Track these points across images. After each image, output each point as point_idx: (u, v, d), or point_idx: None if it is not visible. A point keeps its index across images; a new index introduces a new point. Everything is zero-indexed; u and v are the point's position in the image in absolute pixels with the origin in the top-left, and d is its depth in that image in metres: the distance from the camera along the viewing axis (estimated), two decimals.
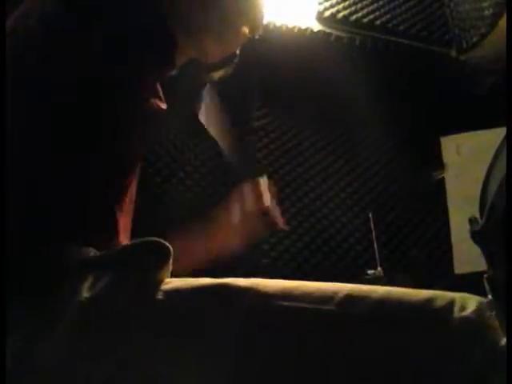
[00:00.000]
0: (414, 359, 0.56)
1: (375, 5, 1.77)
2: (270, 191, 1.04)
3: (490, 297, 0.67)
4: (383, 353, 0.56)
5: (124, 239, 0.77)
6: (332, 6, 1.72)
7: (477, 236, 0.73)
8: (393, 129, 1.84)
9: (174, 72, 0.86)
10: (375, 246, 1.51)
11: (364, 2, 1.76)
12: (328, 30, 1.68)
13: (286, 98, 1.78)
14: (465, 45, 1.73)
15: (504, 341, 0.54)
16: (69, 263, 0.63)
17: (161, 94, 0.83)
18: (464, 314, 0.57)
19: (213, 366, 0.57)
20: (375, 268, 1.49)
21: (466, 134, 1.73)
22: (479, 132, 1.71)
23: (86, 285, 0.60)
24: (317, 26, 1.67)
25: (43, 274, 0.61)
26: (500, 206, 0.68)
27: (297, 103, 1.80)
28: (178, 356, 0.58)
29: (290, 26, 1.63)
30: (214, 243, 1.03)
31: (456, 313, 0.57)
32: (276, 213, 1.05)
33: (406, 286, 0.63)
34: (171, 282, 0.63)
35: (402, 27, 1.77)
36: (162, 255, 0.64)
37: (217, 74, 0.94)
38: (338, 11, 1.72)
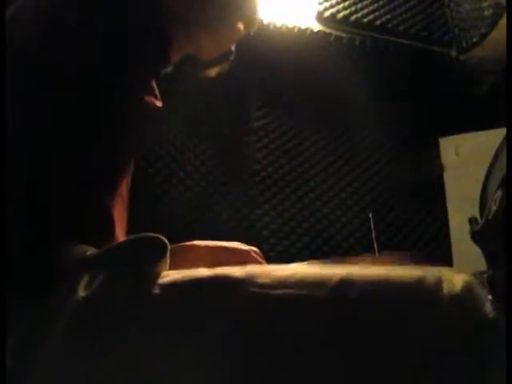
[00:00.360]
0: (408, 339, 0.57)
1: (375, 5, 1.77)
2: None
3: (489, 297, 0.67)
4: (379, 335, 0.57)
5: (120, 236, 0.78)
6: (332, 6, 1.72)
7: (477, 236, 0.73)
8: (393, 129, 1.84)
9: (169, 69, 0.86)
10: (375, 246, 1.51)
11: (364, 2, 1.76)
12: (328, 30, 1.68)
13: (286, 98, 1.78)
14: (465, 45, 1.74)
15: (493, 314, 0.55)
16: (66, 262, 0.63)
17: (156, 91, 0.84)
18: (453, 289, 0.58)
19: (212, 359, 0.57)
20: None
21: (464, 135, 1.73)
22: (478, 133, 1.71)
23: (83, 284, 0.60)
24: (317, 26, 1.67)
25: (40, 274, 0.61)
26: (500, 206, 0.68)
27: (297, 103, 1.80)
28: (177, 351, 0.58)
29: (290, 26, 1.63)
30: None
31: (445, 290, 0.58)
32: None
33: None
34: (168, 275, 0.63)
35: (401, 27, 1.78)
36: (158, 250, 0.64)
37: (213, 71, 0.94)
38: (338, 11, 1.72)
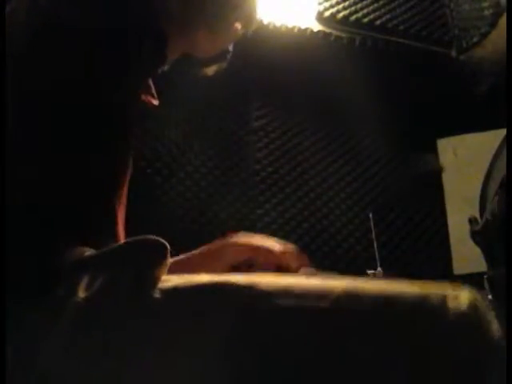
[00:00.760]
0: (411, 355, 0.56)
1: (375, 5, 1.77)
2: None
3: (489, 297, 0.67)
4: (380, 349, 0.57)
5: (121, 237, 0.77)
6: (332, 6, 1.72)
7: (477, 236, 0.73)
8: (392, 129, 1.84)
9: (165, 68, 0.85)
10: (375, 245, 1.51)
11: (364, 2, 1.76)
12: (328, 30, 1.68)
13: (286, 98, 1.78)
14: (465, 45, 1.73)
15: (498, 334, 0.55)
16: (65, 263, 0.62)
17: (153, 90, 0.84)
18: (458, 307, 0.57)
19: (212, 365, 0.57)
20: (375, 268, 1.49)
21: (462, 136, 1.73)
22: (475, 134, 1.72)
23: (83, 285, 0.60)
24: (317, 26, 1.67)
25: (40, 275, 0.61)
26: (500, 206, 0.68)
27: (297, 103, 1.80)
28: (176, 356, 0.58)
29: (290, 26, 1.63)
30: None
31: (451, 307, 0.57)
32: None
33: None
34: (169, 280, 0.62)
35: (401, 27, 1.77)
36: (158, 253, 0.63)
37: (210, 70, 0.94)
38: (338, 11, 1.72)
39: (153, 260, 0.63)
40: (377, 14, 1.76)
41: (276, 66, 1.66)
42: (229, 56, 0.94)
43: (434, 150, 1.76)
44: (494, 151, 0.78)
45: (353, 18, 1.72)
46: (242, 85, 1.71)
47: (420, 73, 1.80)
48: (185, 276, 0.64)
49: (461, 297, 0.58)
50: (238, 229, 1.64)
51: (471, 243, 0.80)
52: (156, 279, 0.61)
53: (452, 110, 1.78)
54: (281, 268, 0.93)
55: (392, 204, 1.81)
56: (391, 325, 0.58)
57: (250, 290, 0.60)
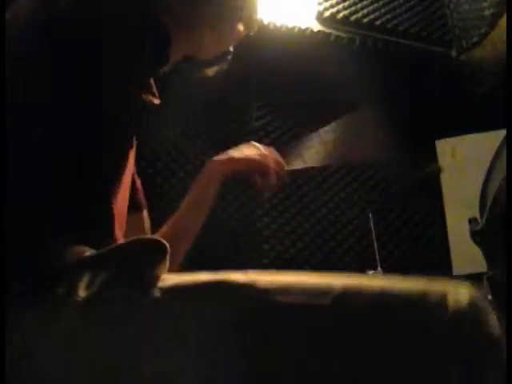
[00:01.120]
0: (411, 352, 0.56)
1: (375, 5, 1.77)
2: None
3: (489, 297, 0.67)
4: (380, 347, 0.57)
5: (120, 236, 0.78)
6: (332, 6, 1.72)
7: (477, 236, 0.73)
8: (392, 129, 1.84)
9: (167, 68, 0.86)
10: (375, 246, 1.51)
11: (364, 2, 1.76)
12: (328, 30, 1.68)
13: (286, 98, 1.78)
14: (465, 45, 1.74)
15: (498, 331, 0.55)
16: (65, 263, 0.62)
17: (154, 89, 0.84)
18: (458, 305, 0.57)
19: (212, 363, 0.57)
20: (375, 268, 1.49)
21: (460, 137, 1.73)
22: (474, 135, 1.72)
23: (82, 284, 0.60)
24: (317, 26, 1.68)
25: (40, 274, 0.61)
26: (500, 206, 0.68)
27: (297, 103, 1.80)
28: (176, 354, 0.58)
29: (290, 26, 1.63)
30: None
31: (450, 305, 0.57)
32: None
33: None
34: (168, 279, 0.62)
35: (401, 27, 1.78)
36: (158, 252, 0.64)
37: (211, 71, 0.94)
38: (338, 11, 1.72)
39: (152, 259, 0.63)
40: (377, 14, 1.76)
41: (276, 65, 1.66)
42: (229, 57, 0.94)
43: (432, 150, 1.76)
44: (492, 152, 0.78)
45: (353, 18, 1.73)
46: (242, 85, 1.71)
47: (420, 73, 1.80)
48: (185, 275, 0.64)
49: (461, 294, 0.58)
50: (238, 229, 1.65)
51: (470, 244, 0.80)
52: (156, 278, 0.62)
53: (451, 110, 1.78)
54: (262, 172, 1.01)
55: (392, 204, 1.81)
56: (391, 322, 0.58)
57: (249, 288, 0.60)
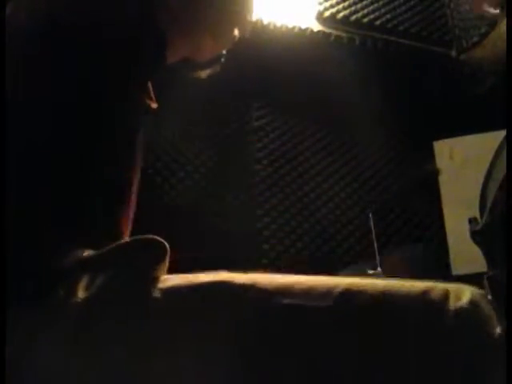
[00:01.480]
0: (413, 352, 0.56)
1: (375, 5, 1.77)
2: None
3: (489, 297, 0.67)
4: (382, 347, 0.57)
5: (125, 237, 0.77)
6: (332, 6, 1.72)
7: (477, 236, 0.73)
8: (392, 129, 1.84)
9: (164, 71, 0.86)
10: (375, 246, 1.51)
11: (364, 2, 1.76)
12: (328, 30, 1.68)
13: (285, 98, 1.78)
14: (465, 45, 1.73)
15: (499, 330, 0.55)
16: (64, 263, 0.62)
17: (151, 93, 0.84)
18: (459, 304, 0.57)
19: (212, 365, 0.57)
20: (375, 268, 1.49)
21: (458, 138, 1.73)
22: (472, 136, 1.72)
23: (82, 285, 0.60)
24: (317, 26, 1.68)
25: (39, 275, 0.61)
26: (500, 206, 0.68)
27: (297, 103, 1.80)
28: (176, 356, 0.58)
29: (290, 26, 1.63)
30: None
31: (451, 304, 0.57)
32: None
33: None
34: (169, 280, 0.62)
35: (401, 27, 1.78)
36: (158, 252, 0.63)
37: (204, 73, 0.94)
38: (338, 11, 1.72)
39: (152, 259, 0.63)
40: (377, 14, 1.76)
41: (276, 65, 1.66)
42: (223, 59, 0.94)
43: (430, 151, 1.76)
44: (490, 153, 0.78)
45: (353, 18, 1.73)
46: (242, 85, 1.71)
47: (420, 73, 1.80)
48: (185, 275, 0.64)
49: (462, 294, 0.58)
50: (238, 229, 1.65)
51: (469, 244, 0.80)
52: (155, 279, 0.61)
53: (451, 110, 1.78)
54: None
55: (392, 204, 1.81)
56: (392, 322, 0.58)
57: (250, 289, 0.60)
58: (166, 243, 0.63)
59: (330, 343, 0.57)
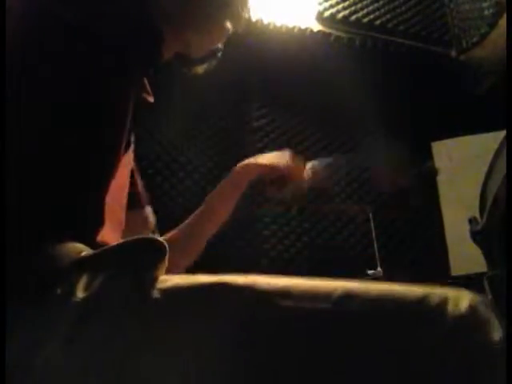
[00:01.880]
0: (411, 356, 0.56)
1: (375, 5, 1.77)
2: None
3: (489, 296, 0.67)
4: (380, 350, 0.57)
5: (116, 236, 0.78)
6: (332, 7, 1.72)
7: (477, 236, 0.73)
8: (392, 129, 1.84)
9: (159, 67, 0.86)
10: (375, 246, 1.51)
11: (364, 2, 1.76)
12: (328, 31, 1.68)
13: (286, 98, 1.78)
14: (465, 45, 1.74)
15: (498, 337, 0.55)
16: (62, 263, 0.62)
17: (148, 87, 0.84)
18: (458, 310, 0.57)
19: (211, 365, 0.57)
20: (375, 268, 1.49)
21: (456, 139, 1.74)
22: (470, 137, 1.72)
23: (81, 285, 0.60)
24: (317, 27, 1.68)
25: (38, 275, 0.61)
26: (500, 206, 0.68)
27: (297, 103, 1.80)
28: (176, 354, 0.58)
29: (290, 26, 1.63)
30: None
31: (450, 309, 0.57)
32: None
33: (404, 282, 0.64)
34: (168, 280, 0.62)
35: (401, 27, 1.78)
36: (157, 252, 0.63)
37: (201, 68, 0.94)
38: (338, 11, 1.72)
39: (151, 260, 0.62)
40: (377, 14, 1.76)
41: (276, 66, 1.66)
42: (219, 54, 0.93)
43: (429, 152, 1.76)
44: (488, 154, 0.78)
45: (353, 18, 1.73)
46: (242, 85, 1.71)
47: (420, 73, 1.80)
48: (184, 276, 0.64)
49: (461, 299, 0.58)
50: (238, 228, 1.65)
51: (468, 245, 0.80)
52: (155, 279, 0.61)
53: (451, 110, 1.78)
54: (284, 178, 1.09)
55: (392, 204, 1.81)
56: (391, 325, 0.58)
57: (249, 290, 0.60)
58: (165, 243, 0.63)
59: (329, 345, 0.57)
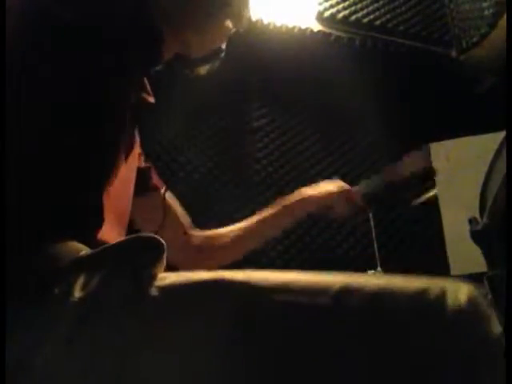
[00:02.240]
0: (410, 350, 0.56)
1: (375, 5, 1.77)
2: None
3: (490, 297, 0.67)
4: (379, 344, 0.57)
5: (119, 233, 0.78)
6: (332, 7, 1.72)
7: (477, 236, 0.73)
8: (392, 129, 1.84)
9: (159, 67, 0.85)
10: (375, 246, 1.51)
11: (364, 2, 1.76)
12: (328, 30, 1.68)
13: (286, 98, 1.78)
14: (465, 45, 1.73)
15: (497, 330, 0.55)
16: (60, 262, 0.62)
17: (148, 88, 0.84)
18: (457, 303, 0.57)
19: (211, 361, 0.57)
20: (375, 268, 1.49)
21: (455, 140, 1.74)
22: (468, 138, 1.72)
23: (79, 284, 0.60)
24: (317, 27, 1.67)
25: (37, 275, 0.61)
26: (500, 206, 0.68)
27: (297, 103, 1.80)
28: (174, 353, 0.58)
29: (290, 26, 1.63)
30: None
31: (449, 302, 0.57)
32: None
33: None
34: (166, 278, 0.62)
35: (401, 27, 1.78)
36: (155, 251, 0.63)
37: (203, 69, 0.93)
38: (338, 11, 1.72)
39: (149, 258, 0.63)
40: (377, 14, 1.76)
41: (276, 65, 1.66)
42: (222, 55, 0.93)
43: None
44: (485, 155, 0.78)
45: (353, 18, 1.72)
46: (242, 85, 1.71)
47: (420, 73, 1.80)
48: (182, 273, 0.64)
49: (460, 292, 0.58)
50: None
51: (467, 245, 0.80)
52: (153, 277, 0.61)
53: (451, 110, 1.78)
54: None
55: (392, 204, 1.81)
56: (390, 320, 0.58)
57: (247, 286, 0.60)
58: (163, 241, 0.63)
59: (328, 340, 0.57)
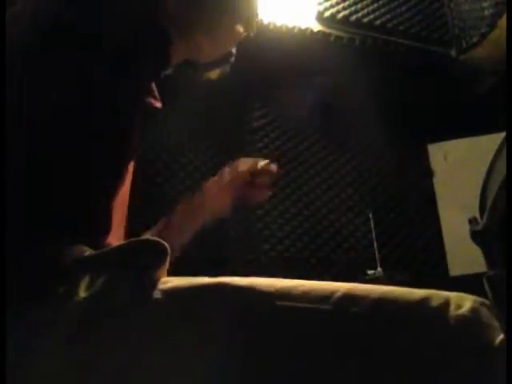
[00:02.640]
0: (412, 358, 0.56)
1: (375, 5, 1.77)
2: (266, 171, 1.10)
3: (490, 297, 0.67)
4: (381, 352, 0.56)
5: (118, 236, 0.78)
6: (332, 7, 1.72)
7: (477, 236, 0.73)
8: (392, 129, 1.84)
9: (169, 71, 0.85)
10: (375, 246, 1.51)
11: (364, 2, 1.76)
12: (328, 30, 1.68)
13: (286, 98, 1.78)
14: (465, 45, 1.74)
15: (499, 339, 0.55)
16: (65, 263, 0.62)
17: (156, 92, 0.84)
18: (460, 312, 0.57)
19: (213, 365, 0.57)
20: (375, 268, 1.49)
21: (452, 141, 1.74)
22: (467, 139, 1.73)
23: (83, 285, 0.60)
24: (317, 26, 1.68)
25: (40, 275, 0.61)
26: (500, 206, 0.68)
27: (297, 103, 1.80)
28: (177, 356, 0.58)
29: (290, 25, 1.63)
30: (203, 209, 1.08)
31: (452, 311, 0.57)
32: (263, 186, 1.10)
33: (404, 285, 0.64)
34: (169, 281, 0.62)
35: (401, 27, 1.78)
36: (159, 254, 0.63)
37: (214, 74, 0.93)
38: (338, 11, 1.72)
39: (153, 261, 0.63)
40: (377, 14, 1.76)
41: (276, 65, 1.66)
42: (232, 59, 0.93)
43: (426, 153, 1.77)
44: (483, 155, 0.78)
45: (353, 18, 1.73)
46: (243, 85, 1.71)
47: (420, 73, 1.80)
48: (185, 277, 0.64)
49: (463, 302, 0.58)
50: (238, 228, 1.65)
51: (466, 245, 0.80)
52: (156, 280, 0.62)
53: (451, 110, 1.78)
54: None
55: (392, 204, 1.81)
56: (392, 328, 0.58)
57: (250, 292, 0.60)
58: (167, 245, 0.63)
59: (329, 346, 0.57)
